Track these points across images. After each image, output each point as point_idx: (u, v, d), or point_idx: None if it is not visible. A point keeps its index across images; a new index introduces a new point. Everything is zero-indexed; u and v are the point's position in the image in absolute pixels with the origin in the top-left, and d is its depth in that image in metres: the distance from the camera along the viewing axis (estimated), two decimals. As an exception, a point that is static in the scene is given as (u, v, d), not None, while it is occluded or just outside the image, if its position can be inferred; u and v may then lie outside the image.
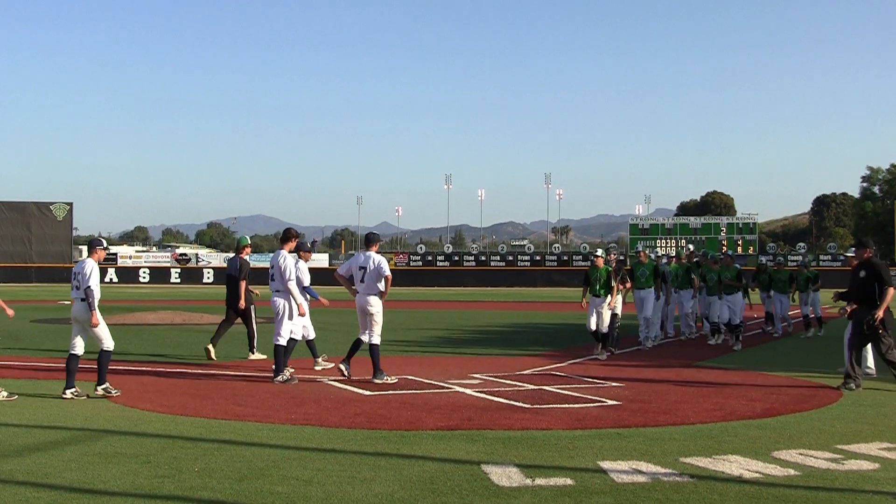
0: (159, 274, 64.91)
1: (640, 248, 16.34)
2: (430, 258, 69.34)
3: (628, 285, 14.97)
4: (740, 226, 67.87)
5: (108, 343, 9.48)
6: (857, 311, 10.43)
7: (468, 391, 9.82)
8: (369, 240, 11.33)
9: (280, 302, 10.84)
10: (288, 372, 10.59)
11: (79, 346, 9.53)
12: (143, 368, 11.80)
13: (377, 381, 10.40)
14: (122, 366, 12.05)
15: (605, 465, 6.10)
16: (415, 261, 68.00)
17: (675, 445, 6.83)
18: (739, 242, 65.90)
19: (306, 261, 11.82)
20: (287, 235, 11.41)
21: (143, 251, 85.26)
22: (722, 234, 66.62)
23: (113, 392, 9.36)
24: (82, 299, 9.39)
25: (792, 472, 5.96)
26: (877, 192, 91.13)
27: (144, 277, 64.37)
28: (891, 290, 10.11)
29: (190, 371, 11.65)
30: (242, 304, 13.07)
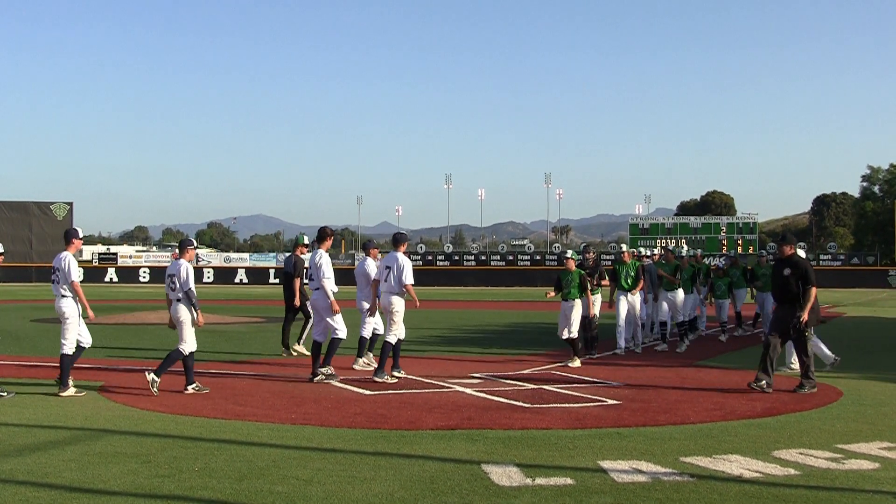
0: (160, 274, 64.72)
1: (625, 249, 15.20)
2: (430, 258, 69.32)
3: (605, 283, 13.99)
4: (740, 225, 67.81)
5: (188, 346, 9.68)
6: (778, 311, 10.02)
7: (468, 391, 9.82)
8: (396, 240, 11.29)
9: (320, 301, 10.82)
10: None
11: (192, 344, 9.84)
12: (144, 368, 11.78)
13: (378, 379, 10.43)
14: (123, 365, 12.07)
15: (606, 464, 6.10)
16: (415, 260, 67.83)
17: (675, 445, 6.83)
18: (739, 242, 65.86)
19: (374, 258, 11.85)
20: (322, 234, 11.26)
21: (144, 251, 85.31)
22: (722, 233, 66.55)
23: (204, 390, 9.64)
24: (178, 300, 9.71)
25: (792, 471, 5.96)
26: (877, 191, 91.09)
27: (145, 277, 64.35)
28: (813, 290, 9.69)
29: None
30: (297, 301, 13.50)
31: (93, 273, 62.43)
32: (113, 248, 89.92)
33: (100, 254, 75.99)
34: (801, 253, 11.80)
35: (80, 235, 9.91)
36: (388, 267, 10.90)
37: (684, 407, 8.75)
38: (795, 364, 11.83)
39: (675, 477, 5.77)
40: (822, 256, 63.99)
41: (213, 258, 72.60)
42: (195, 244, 10.46)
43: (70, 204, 65.86)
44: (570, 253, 13.60)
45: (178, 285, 9.69)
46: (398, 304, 10.81)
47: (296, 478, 5.70)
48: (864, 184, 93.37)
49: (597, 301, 13.65)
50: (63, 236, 9.96)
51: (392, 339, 10.72)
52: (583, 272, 13.03)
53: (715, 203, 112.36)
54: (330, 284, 10.69)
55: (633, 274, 14.43)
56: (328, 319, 10.74)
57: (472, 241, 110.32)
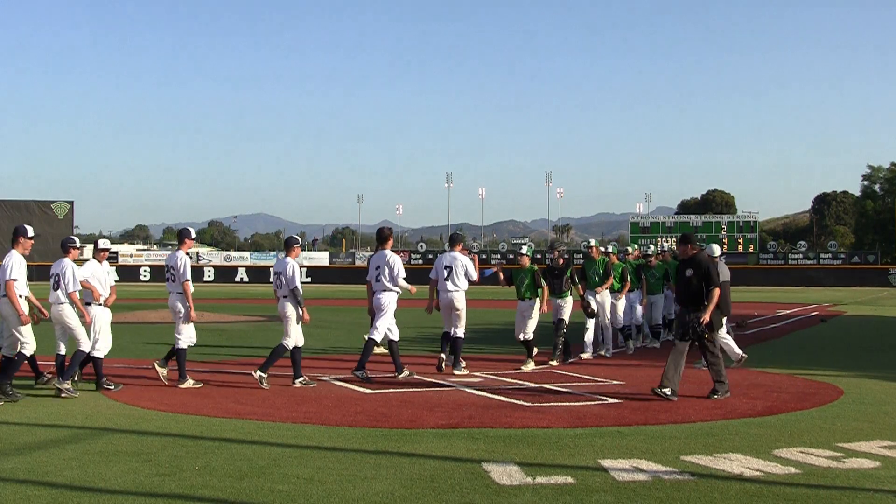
0: (160, 272, 64.53)
1: (592, 244, 14.38)
2: (430, 256, 69.31)
3: (580, 291, 13.19)
4: (741, 224, 67.78)
5: (292, 341, 10.03)
6: (680, 314, 9.74)
7: (469, 389, 9.82)
8: (453, 240, 12.06)
9: (384, 300, 10.90)
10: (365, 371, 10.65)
11: (298, 339, 10.15)
12: (145, 367, 11.79)
13: (457, 371, 11.17)
14: (124, 363, 12.08)
15: (606, 463, 6.10)
16: (416, 259, 68.02)
17: (675, 443, 6.83)
18: (740, 241, 65.88)
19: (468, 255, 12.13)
20: (383, 236, 11.17)
21: (144, 249, 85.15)
22: (723, 232, 66.57)
23: (311, 384, 9.96)
24: (284, 296, 10.09)
25: (793, 470, 5.96)
26: (877, 190, 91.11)
27: (145, 276, 64.41)
28: (716, 292, 9.39)
29: (190, 369, 11.62)
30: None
31: (93, 272, 62.36)
32: (114, 247, 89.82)
33: (100, 252, 75.94)
34: (717, 250, 11.32)
35: (192, 235, 10.56)
36: (447, 267, 11.50)
37: (685, 406, 8.75)
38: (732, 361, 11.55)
39: (676, 476, 5.77)
40: (822, 255, 64.03)
41: (214, 257, 72.59)
42: (300, 241, 10.67)
43: (71, 203, 65.86)
44: (524, 248, 12.99)
45: (283, 283, 10.04)
46: (462, 300, 11.59)
47: (296, 476, 5.70)
48: (865, 183, 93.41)
49: (567, 304, 12.81)
50: (177, 235, 10.57)
51: (461, 334, 11.53)
52: (536, 269, 12.44)
53: (716, 202, 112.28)
54: (405, 284, 11.05)
55: (601, 271, 13.66)
56: (378, 318, 10.87)
57: (473, 240, 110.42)
